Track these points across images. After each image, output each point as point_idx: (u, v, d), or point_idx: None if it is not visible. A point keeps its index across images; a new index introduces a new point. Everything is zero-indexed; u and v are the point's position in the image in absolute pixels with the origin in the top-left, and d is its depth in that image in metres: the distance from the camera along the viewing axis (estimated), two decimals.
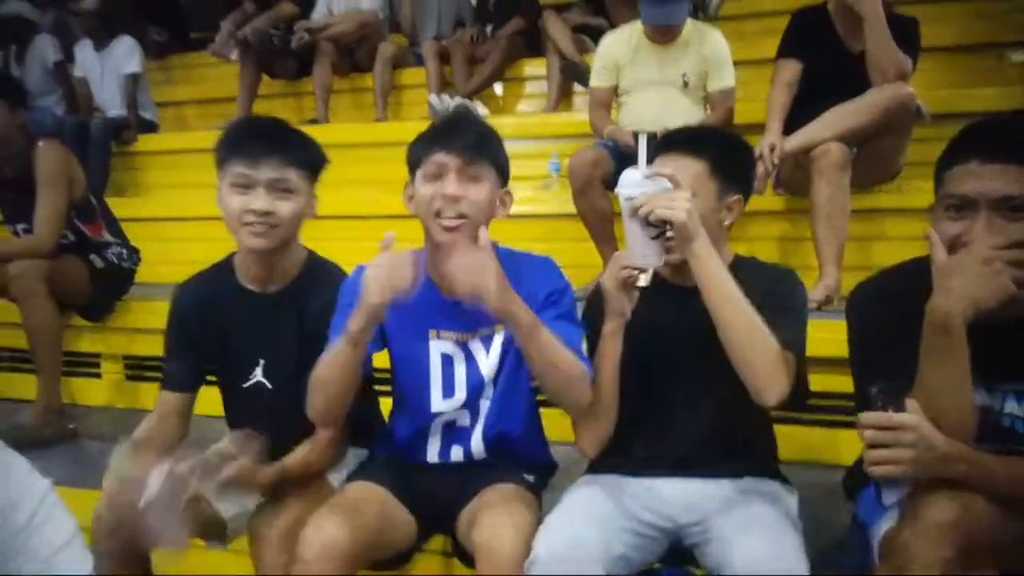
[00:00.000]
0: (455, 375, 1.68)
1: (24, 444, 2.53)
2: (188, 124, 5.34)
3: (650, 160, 1.56)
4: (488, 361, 1.67)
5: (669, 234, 1.50)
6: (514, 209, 3.71)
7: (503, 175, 1.66)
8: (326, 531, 1.47)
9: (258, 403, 1.80)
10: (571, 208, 2.97)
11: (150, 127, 4.75)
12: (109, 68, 4.73)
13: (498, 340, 1.66)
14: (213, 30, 5.46)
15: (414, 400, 1.70)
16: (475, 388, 1.68)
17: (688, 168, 1.58)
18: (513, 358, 1.66)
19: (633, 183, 1.50)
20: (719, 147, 1.66)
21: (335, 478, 1.76)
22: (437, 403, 1.68)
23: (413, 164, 1.64)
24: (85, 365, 3.18)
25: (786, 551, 1.37)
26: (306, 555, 1.45)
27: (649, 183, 1.49)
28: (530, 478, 1.67)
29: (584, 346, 1.59)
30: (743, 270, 1.58)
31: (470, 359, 1.68)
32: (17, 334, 2.81)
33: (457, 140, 1.59)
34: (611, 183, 2.69)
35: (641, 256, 1.52)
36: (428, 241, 1.63)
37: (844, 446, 2.16)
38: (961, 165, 1.30)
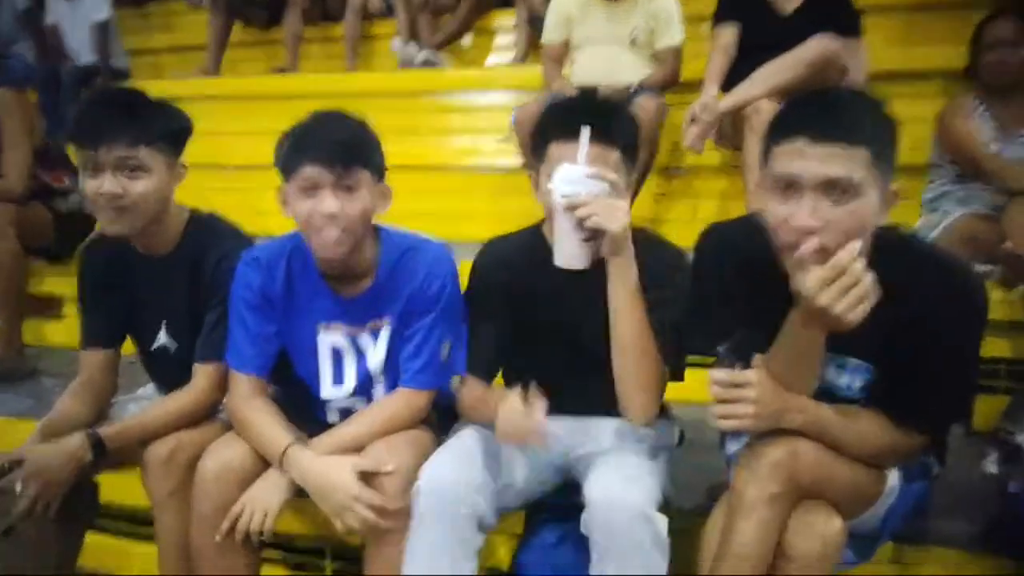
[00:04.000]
0: (344, 366, 1.70)
1: None
2: (164, 72, 5.29)
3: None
4: (376, 353, 1.69)
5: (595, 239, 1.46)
6: (473, 161, 3.77)
7: (379, 172, 1.60)
8: (221, 453, 1.56)
9: (167, 364, 1.82)
10: None
11: (120, 75, 4.77)
12: (79, 16, 4.75)
13: (385, 333, 1.67)
14: None
15: (305, 388, 1.73)
16: (364, 378, 1.70)
17: (608, 158, 1.51)
18: (400, 347, 1.67)
19: (573, 180, 1.43)
20: (632, 134, 1.60)
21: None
22: (327, 390, 1.71)
23: (283, 171, 1.56)
24: (48, 307, 3.24)
25: (641, 488, 1.42)
26: (204, 477, 1.54)
27: (591, 183, 1.43)
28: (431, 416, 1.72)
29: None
30: (637, 247, 1.54)
31: (359, 352, 1.69)
32: None
33: (327, 151, 1.50)
34: None
35: (569, 257, 1.48)
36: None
37: None
38: (789, 142, 1.24)
